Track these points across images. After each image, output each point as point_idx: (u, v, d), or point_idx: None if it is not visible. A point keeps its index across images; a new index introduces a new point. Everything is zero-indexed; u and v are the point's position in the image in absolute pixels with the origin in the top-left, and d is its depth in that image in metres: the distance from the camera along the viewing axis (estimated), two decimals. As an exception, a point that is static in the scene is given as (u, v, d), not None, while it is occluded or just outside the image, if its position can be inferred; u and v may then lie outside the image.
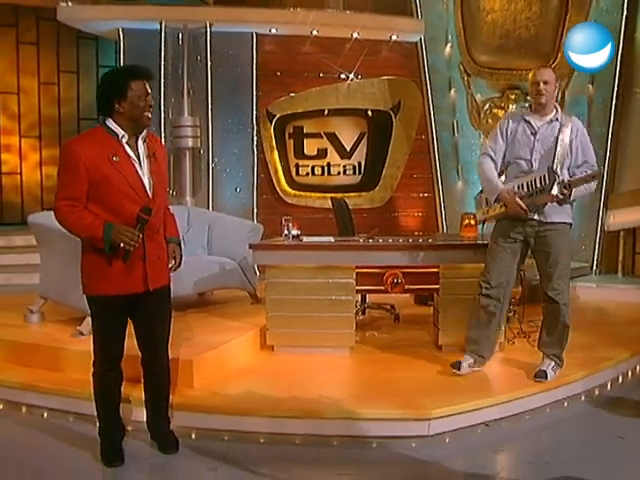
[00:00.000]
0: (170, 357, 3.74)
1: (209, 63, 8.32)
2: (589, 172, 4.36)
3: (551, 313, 4.54)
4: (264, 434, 3.90)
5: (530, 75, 4.54)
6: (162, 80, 8.17)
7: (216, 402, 4.10)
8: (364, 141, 8.99)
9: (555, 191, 4.25)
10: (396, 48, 8.87)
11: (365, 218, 8.31)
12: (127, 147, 3.38)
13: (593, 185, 4.47)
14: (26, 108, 11.23)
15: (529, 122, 4.50)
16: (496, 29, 7.90)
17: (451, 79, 8.68)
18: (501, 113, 8.23)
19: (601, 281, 8.00)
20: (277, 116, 8.67)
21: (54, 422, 4.15)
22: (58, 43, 11.31)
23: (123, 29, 8.12)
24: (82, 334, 4.97)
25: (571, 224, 4.54)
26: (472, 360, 4.63)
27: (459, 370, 4.54)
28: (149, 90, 3.42)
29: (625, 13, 8.03)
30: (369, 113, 8.84)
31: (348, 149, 8.98)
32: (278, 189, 8.80)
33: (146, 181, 3.39)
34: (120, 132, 3.37)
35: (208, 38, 8.26)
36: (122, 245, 3.26)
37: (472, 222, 5.61)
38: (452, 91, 8.72)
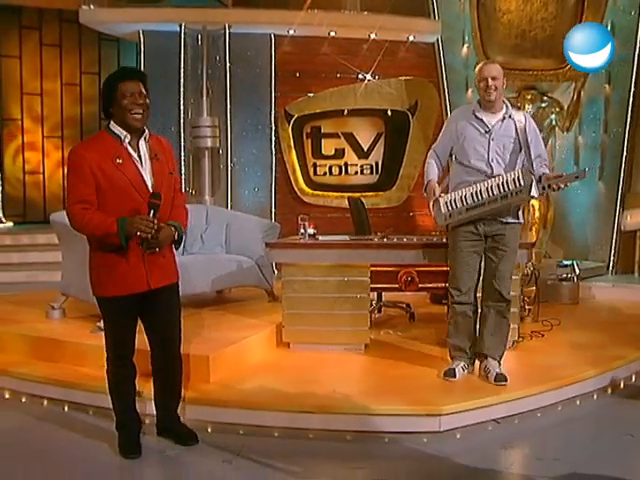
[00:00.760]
0: (182, 354, 3.78)
1: (228, 64, 8.42)
2: (574, 172, 4.28)
3: (499, 312, 4.48)
4: (279, 428, 3.98)
5: (476, 70, 4.42)
6: (181, 81, 8.28)
7: (232, 397, 4.18)
8: (381, 141, 9.04)
9: (535, 192, 4.17)
10: (413, 49, 8.92)
11: (382, 218, 8.37)
12: (130, 148, 3.44)
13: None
14: (49, 109, 11.42)
15: (481, 120, 4.38)
16: (512, 30, 7.90)
17: (468, 79, 8.69)
18: (517, 113, 8.23)
19: (617, 281, 7.98)
20: (295, 116, 8.75)
21: (74, 415, 4.26)
22: (80, 45, 11.49)
23: (143, 31, 8.24)
24: (101, 330, 5.05)
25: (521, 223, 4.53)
26: (463, 363, 4.56)
27: (455, 377, 4.46)
28: (139, 89, 3.40)
29: (642, 13, 8.01)
30: (389, 113, 8.88)
31: (365, 149, 9.04)
32: (296, 188, 8.88)
33: (148, 181, 3.44)
34: (122, 133, 3.43)
35: (227, 39, 8.36)
36: (139, 234, 3.30)
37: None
38: (469, 91, 8.73)
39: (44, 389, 4.55)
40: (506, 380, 4.36)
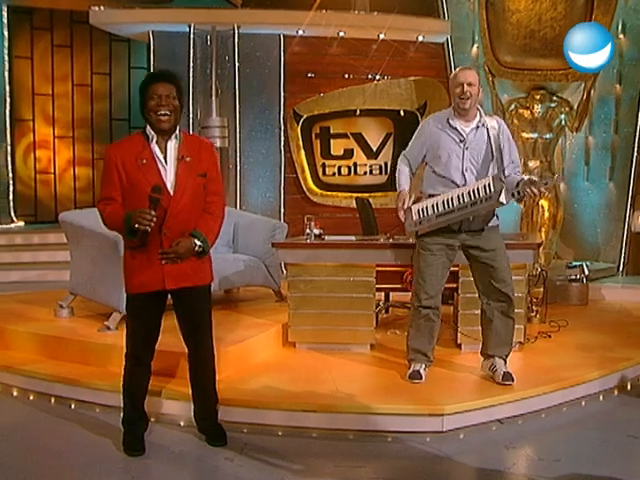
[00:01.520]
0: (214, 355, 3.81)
1: (237, 64, 8.43)
2: (544, 178, 4.18)
3: (503, 312, 4.45)
4: (282, 427, 4.00)
5: (452, 76, 4.37)
6: (191, 81, 8.31)
7: (236, 395, 4.19)
8: (390, 141, 9.03)
9: (504, 199, 4.07)
10: (423, 49, 8.89)
11: (391, 218, 8.32)
12: (156, 149, 3.51)
13: None
14: (60, 110, 11.48)
15: (455, 128, 4.32)
16: (521, 29, 7.87)
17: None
18: (527, 113, 8.21)
19: (628, 282, 7.94)
20: (304, 116, 8.76)
21: (81, 413, 4.30)
22: (91, 45, 11.53)
23: (153, 32, 8.28)
24: (109, 329, 5.13)
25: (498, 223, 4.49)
26: (423, 365, 4.51)
27: (422, 379, 4.42)
28: (167, 92, 3.47)
29: (655, 12, 7.96)
30: (402, 113, 8.87)
31: (374, 149, 9.03)
32: (305, 188, 8.90)
33: (169, 183, 3.49)
34: (151, 134, 3.52)
35: (236, 40, 8.38)
36: (137, 226, 3.35)
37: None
38: (480, 92, 8.70)
39: (51, 387, 4.60)
40: (513, 380, 4.34)
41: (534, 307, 6.09)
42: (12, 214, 10.76)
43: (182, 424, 4.05)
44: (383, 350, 5.24)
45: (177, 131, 3.57)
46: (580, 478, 3.37)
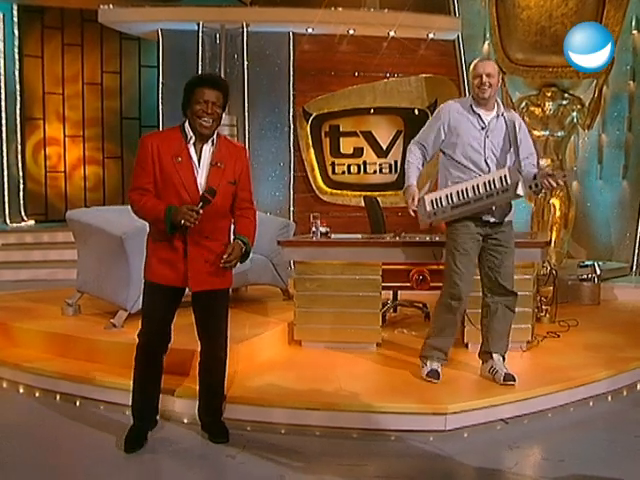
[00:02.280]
0: (227, 356, 3.81)
1: (246, 62, 8.46)
2: (562, 172, 4.18)
3: (508, 306, 4.41)
4: (285, 425, 3.98)
5: (471, 67, 4.31)
6: (200, 80, 8.32)
7: (240, 393, 4.18)
8: (400, 140, 8.99)
9: (521, 191, 4.05)
10: (433, 46, 8.87)
11: (401, 217, 8.30)
12: (192, 150, 3.53)
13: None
14: (70, 109, 11.53)
15: (478, 114, 4.28)
16: (531, 26, 7.81)
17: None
18: (538, 111, 8.16)
19: (640, 282, 7.86)
20: (313, 115, 8.76)
21: (86, 410, 4.30)
22: (102, 44, 11.58)
23: (162, 30, 8.32)
24: (115, 326, 5.13)
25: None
26: (439, 364, 4.46)
27: (439, 379, 4.35)
28: (214, 99, 3.47)
29: (668, 8, 7.87)
30: (416, 112, 8.82)
31: (384, 148, 9.01)
32: (314, 187, 8.89)
33: (200, 187, 3.50)
34: (189, 134, 3.53)
35: (245, 38, 8.40)
36: (182, 222, 3.38)
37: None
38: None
39: (57, 384, 4.60)
40: (515, 380, 4.29)
41: (543, 306, 6.03)
42: (22, 213, 10.83)
43: (186, 421, 4.04)
44: (390, 349, 5.20)
45: (214, 136, 3.58)
46: (585, 479, 3.32)
